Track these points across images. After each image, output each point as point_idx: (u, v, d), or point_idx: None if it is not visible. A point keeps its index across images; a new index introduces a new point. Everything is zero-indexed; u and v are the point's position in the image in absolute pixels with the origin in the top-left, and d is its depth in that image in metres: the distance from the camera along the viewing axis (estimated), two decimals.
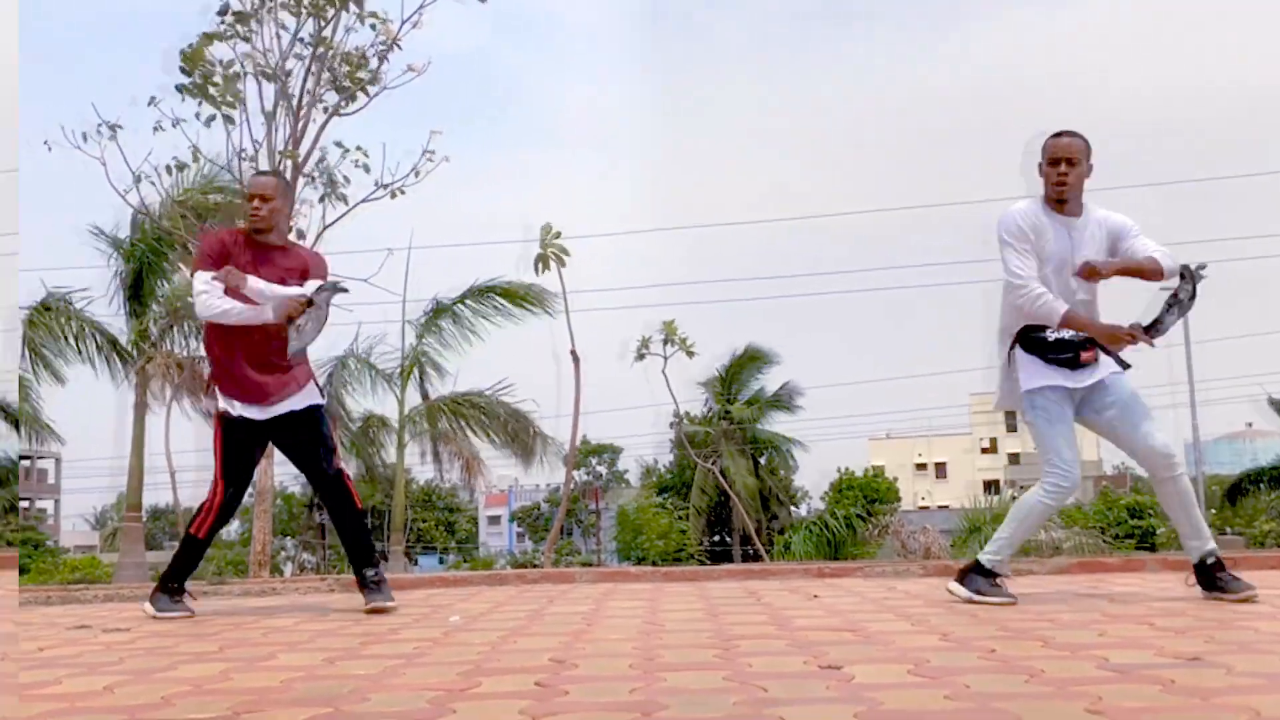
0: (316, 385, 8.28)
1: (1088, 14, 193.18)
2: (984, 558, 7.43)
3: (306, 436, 8.10)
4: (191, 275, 8.13)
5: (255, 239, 7.99)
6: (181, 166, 15.68)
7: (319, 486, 8.23)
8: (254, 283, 7.70)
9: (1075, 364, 7.31)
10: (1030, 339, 7.45)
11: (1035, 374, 7.40)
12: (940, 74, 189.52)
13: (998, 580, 7.34)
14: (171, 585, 8.07)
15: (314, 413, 8.12)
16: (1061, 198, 7.40)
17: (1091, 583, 8.90)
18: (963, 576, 7.48)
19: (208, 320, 7.91)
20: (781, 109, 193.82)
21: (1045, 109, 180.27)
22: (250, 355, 7.90)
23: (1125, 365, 7.44)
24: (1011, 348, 7.60)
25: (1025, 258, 7.35)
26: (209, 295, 7.73)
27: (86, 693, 4.51)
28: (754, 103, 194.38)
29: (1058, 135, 7.46)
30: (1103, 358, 7.35)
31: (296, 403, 8.03)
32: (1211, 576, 7.29)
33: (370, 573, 8.11)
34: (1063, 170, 7.35)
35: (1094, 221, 7.52)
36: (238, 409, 7.90)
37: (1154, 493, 7.62)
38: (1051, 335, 7.36)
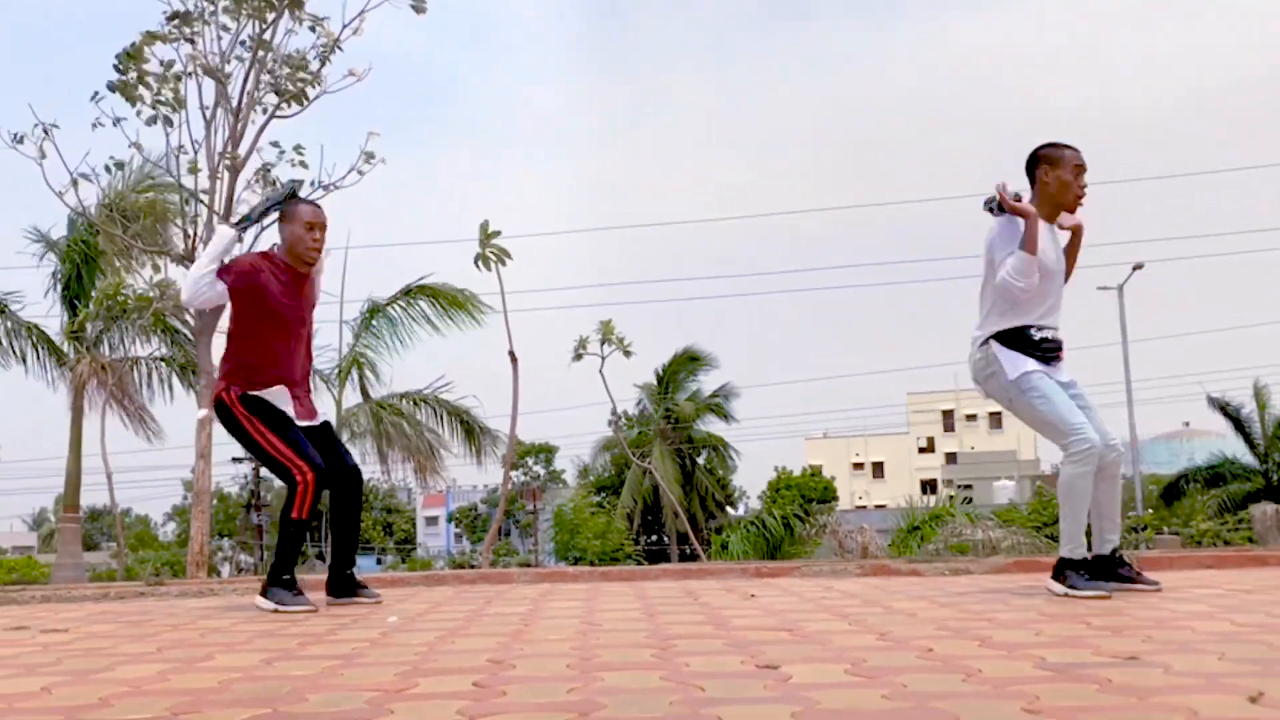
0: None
1: (1029, 17, 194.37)
2: (1064, 553, 7.56)
3: (328, 437, 8.44)
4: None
5: (298, 266, 8.21)
6: (120, 165, 15.60)
7: (340, 478, 8.40)
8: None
9: (1053, 361, 7.57)
10: (1011, 337, 7.61)
11: (1019, 362, 7.53)
12: (884, 77, 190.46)
13: (1082, 571, 7.48)
14: (284, 578, 8.15)
15: (328, 423, 8.58)
16: (1079, 207, 7.56)
17: (1029, 582, 8.94)
18: (1057, 574, 7.59)
19: (194, 297, 8.23)
20: (720, 109, 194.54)
21: (988, 112, 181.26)
22: (293, 374, 8.29)
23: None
24: (984, 343, 7.70)
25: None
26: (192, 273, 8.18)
27: (24, 694, 4.47)
28: (693, 103, 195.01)
29: (1070, 148, 7.58)
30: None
31: (319, 417, 8.47)
32: (1123, 566, 7.73)
33: (352, 572, 8.56)
34: (1084, 183, 7.49)
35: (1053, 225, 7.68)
36: (291, 413, 8.20)
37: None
38: (1037, 335, 7.57)
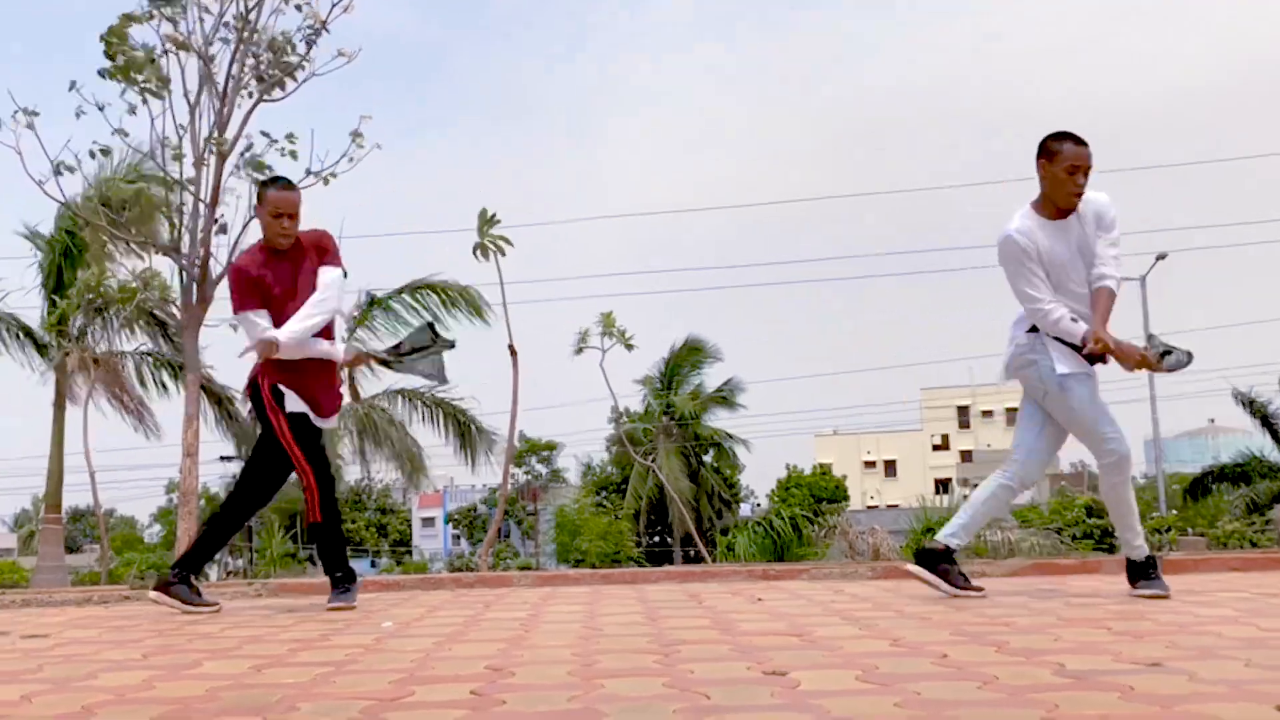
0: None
1: (1024, 10, 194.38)
2: (1132, 556, 7.81)
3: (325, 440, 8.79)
4: (235, 315, 8.51)
5: (275, 250, 8.36)
6: (106, 152, 15.57)
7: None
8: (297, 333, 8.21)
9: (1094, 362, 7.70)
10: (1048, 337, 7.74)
11: (1069, 360, 7.64)
12: (904, 62, 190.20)
13: (1153, 572, 7.72)
14: (337, 577, 8.58)
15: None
16: (1074, 208, 7.54)
17: (1048, 585, 8.94)
18: (1131, 578, 7.83)
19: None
20: (729, 93, 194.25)
21: (1014, 99, 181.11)
22: (320, 375, 8.51)
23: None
24: (1033, 329, 7.78)
25: (1034, 279, 7.61)
26: (266, 330, 8.21)
27: (2, 701, 4.47)
28: (699, 88, 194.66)
29: (1076, 143, 7.56)
30: None
31: (337, 417, 8.90)
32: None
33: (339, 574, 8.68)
34: (1080, 181, 7.49)
35: (1083, 213, 7.67)
36: (311, 416, 8.45)
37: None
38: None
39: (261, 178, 14.40)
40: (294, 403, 8.34)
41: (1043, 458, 8.00)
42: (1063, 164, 7.49)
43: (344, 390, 8.71)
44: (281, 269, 8.28)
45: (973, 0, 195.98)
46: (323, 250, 8.41)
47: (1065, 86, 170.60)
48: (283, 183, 8.50)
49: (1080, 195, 7.52)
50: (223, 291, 15.16)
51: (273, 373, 8.35)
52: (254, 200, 8.59)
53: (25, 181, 14.54)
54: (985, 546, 25.32)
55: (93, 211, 19.04)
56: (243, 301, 8.27)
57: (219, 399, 32.00)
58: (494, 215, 17.30)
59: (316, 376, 8.42)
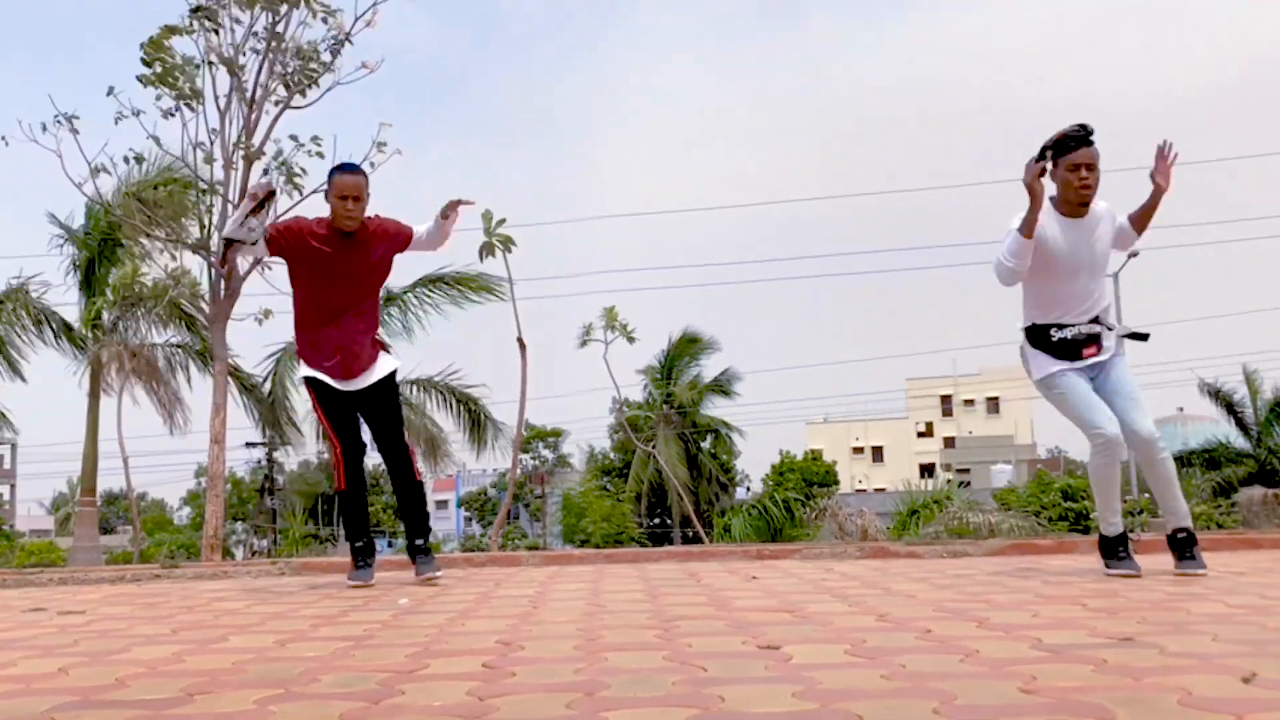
0: (387, 351, 8.71)
1: (1024, 10, 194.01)
2: (1106, 532, 7.84)
3: (383, 405, 8.55)
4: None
5: (343, 233, 8.32)
6: (140, 159, 15.59)
7: (385, 453, 8.63)
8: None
9: (1077, 358, 7.66)
10: (1036, 335, 7.79)
11: (1044, 363, 7.73)
12: (888, 63, 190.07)
13: (1121, 551, 7.75)
14: (357, 546, 8.63)
15: (391, 381, 8.57)
16: (1085, 202, 7.54)
17: (1026, 564, 8.95)
18: (1105, 554, 7.89)
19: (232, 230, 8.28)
20: (723, 94, 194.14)
21: (997, 98, 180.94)
22: (341, 336, 8.37)
23: (1144, 336, 7.98)
24: (1025, 331, 7.90)
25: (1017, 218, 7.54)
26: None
27: (41, 674, 4.47)
28: (698, 89, 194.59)
29: (1078, 142, 7.53)
30: (1105, 343, 7.72)
31: (376, 373, 8.49)
32: (1178, 549, 7.68)
33: (420, 542, 8.68)
34: (1084, 175, 7.49)
35: (1101, 218, 7.71)
36: (328, 381, 8.37)
37: (1086, 476, 7.84)
38: (1055, 335, 7.69)
39: (285, 183, 14.51)
40: (311, 369, 8.39)
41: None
42: (1065, 163, 7.50)
43: (382, 353, 8.51)
44: (348, 252, 8.26)
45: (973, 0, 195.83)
46: (389, 231, 8.48)
47: (1066, 86, 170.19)
48: (348, 167, 8.52)
49: (1088, 188, 7.51)
50: (249, 288, 15.21)
51: (301, 357, 8.50)
52: (323, 189, 8.65)
53: (54, 182, 14.62)
54: (969, 527, 25.33)
55: (127, 212, 18.98)
56: (274, 229, 8.32)
57: (246, 386, 31.94)
58: (490, 213, 17.28)
59: (334, 341, 8.35)
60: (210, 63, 14.86)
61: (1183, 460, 53.67)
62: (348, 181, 8.29)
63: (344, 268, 8.22)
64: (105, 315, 29.87)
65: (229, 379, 18.66)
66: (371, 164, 15.09)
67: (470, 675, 4.11)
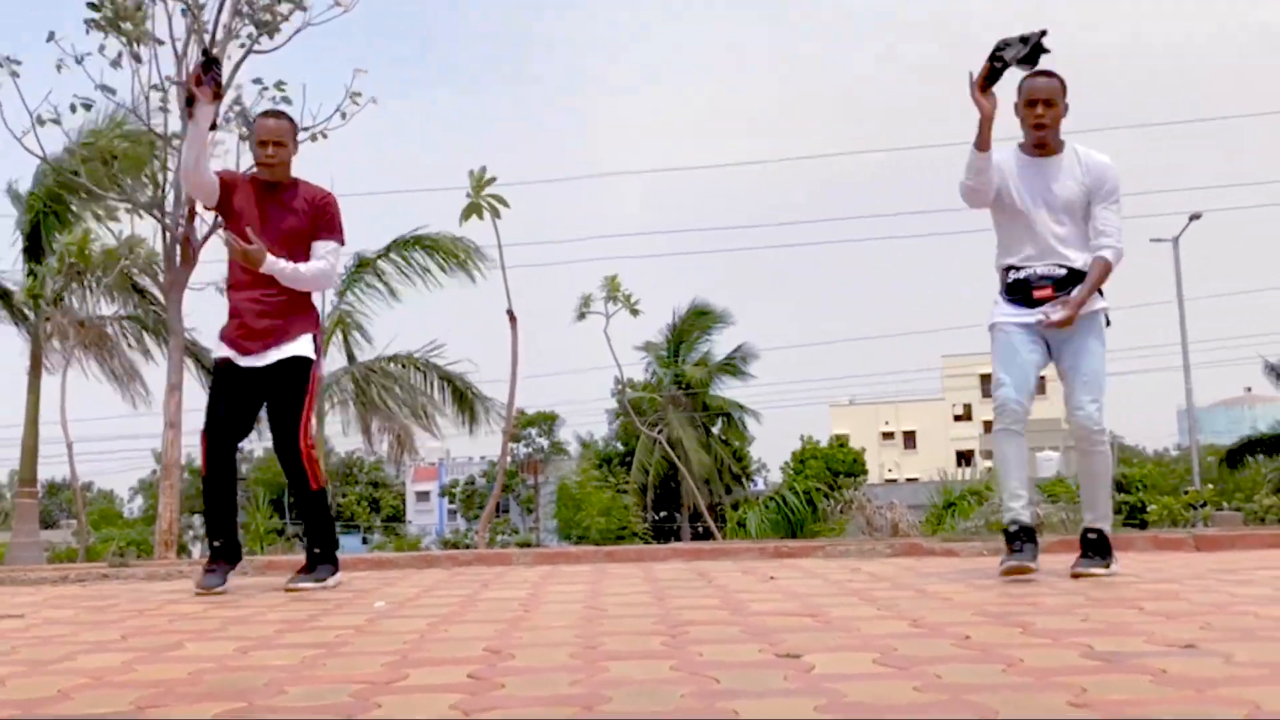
0: (314, 341, 8.50)
1: None
2: (1005, 518, 7.87)
3: (284, 395, 8.34)
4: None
5: (267, 185, 8.34)
6: (87, 106, 15.51)
7: (277, 453, 8.48)
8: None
9: (1030, 301, 7.76)
10: (1001, 278, 8.00)
11: (994, 311, 7.94)
12: (916, 11, 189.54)
13: (1015, 545, 7.67)
14: (214, 546, 8.43)
15: (297, 366, 8.33)
16: (1041, 141, 7.75)
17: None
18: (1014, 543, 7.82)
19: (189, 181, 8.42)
20: (736, 45, 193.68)
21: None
22: (250, 299, 8.26)
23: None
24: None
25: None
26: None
27: None
28: (705, 38, 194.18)
29: (1033, 76, 7.74)
30: (1069, 294, 7.71)
31: (282, 352, 8.28)
32: (1085, 547, 7.88)
33: (317, 551, 8.57)
34: (1039, 112, 7.74)
35: (1073, 159, 7.87)
36: (225, 352, 8.30)
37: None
38: (1010, 276, 7.88)
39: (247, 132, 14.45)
40: (225, 351, 8.33)
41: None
42: (1021, 97, 7.76)
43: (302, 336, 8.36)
44: (267, 204, 8.28)
45: None
46: (322, 214, 8.38)
47: (1117, 33, 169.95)
48: (271, 112, 8.53)
49: (1043, 126, 7.73)
50: (207, 255, 15.17)
51: (223, 329, 8.43)
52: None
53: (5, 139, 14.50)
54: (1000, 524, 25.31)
55: (73, 168, 18.93)
56: (222, 172, 8.42)
57: (205, 366, 31.98)
58: (484, 170, 17.25)
59: (239, 305, 8.28)
60: (159, 0, 14.79)
61: (1250, 446, 53.60)
62: (269, 124, 8.34)
63: (262, 221, 8.21)
64: (49, 285, 29.85)
65: (186, 356, 18.64)
66: (343, 114, 15.08)
67: (454, 687, 4.12)
